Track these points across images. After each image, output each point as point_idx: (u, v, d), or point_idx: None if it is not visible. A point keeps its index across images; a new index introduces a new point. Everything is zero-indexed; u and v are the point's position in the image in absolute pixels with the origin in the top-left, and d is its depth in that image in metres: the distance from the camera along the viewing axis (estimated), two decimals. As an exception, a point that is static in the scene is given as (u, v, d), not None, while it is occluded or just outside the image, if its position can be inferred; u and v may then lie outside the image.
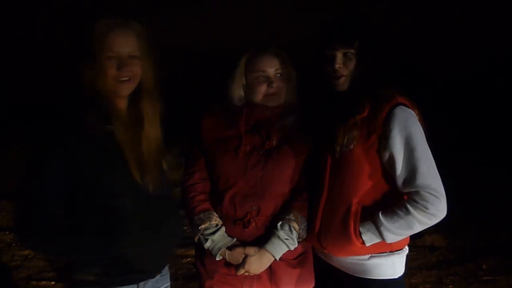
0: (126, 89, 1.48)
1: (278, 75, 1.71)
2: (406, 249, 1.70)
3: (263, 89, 1.70)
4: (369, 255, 1.62)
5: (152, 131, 1.53)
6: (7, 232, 4.05)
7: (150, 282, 1.56)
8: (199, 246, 1.71)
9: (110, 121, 1.44)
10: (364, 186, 1.59)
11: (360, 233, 1.56)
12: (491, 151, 6.05)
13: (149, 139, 1.52)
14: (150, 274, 1.56)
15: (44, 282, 3.27)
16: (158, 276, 1.60)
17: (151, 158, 1.51)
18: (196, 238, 1.68)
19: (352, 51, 1.59)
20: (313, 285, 1.77)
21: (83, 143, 1.39)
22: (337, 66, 1.59)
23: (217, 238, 1.65)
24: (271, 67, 1.70)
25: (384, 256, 1.63)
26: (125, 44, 1.45)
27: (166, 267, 1.67)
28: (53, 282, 3.26)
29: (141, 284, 1.53)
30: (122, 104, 1.52)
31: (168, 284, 1.69)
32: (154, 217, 1.51)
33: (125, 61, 1.44)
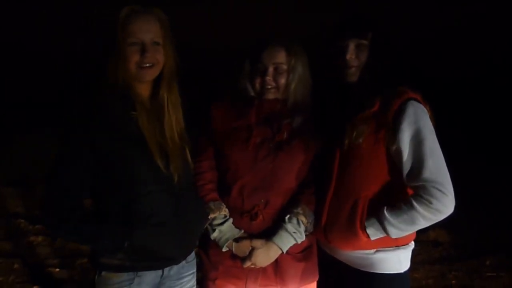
0: (149, 75, 1.47)
1: (277, 68, 1.66)
2: (412, 244, 1.69)
3: (258, 81, 1.67)
4: (375, 249, 1.62)
5: (174, 119, 1.52)
6: (12, 219, 4.04)
7: (176, 268, 1.56)
8: (204, 236, 1.69)
9: (134, 108, 1.44)
10: (372, 181, 1.58)
11: (365, 227, 1.56)
12: (491, 151, 6.05)
13: (172, 127, 1.51)
14: (174, 261, 1.56)
15: (49, 269, 3.26)
16: (183, 262, 1.59)
17: (175, 146, 1.51)
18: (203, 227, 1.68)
19: (365, 42, 1.56)
20: (317, 278, 1.77)
21: (107, 130, 1.39)
22: (348, 56, 1.56)
23: (224, 229, 1.63)
24: (270, 60, 1.66)
25: (390, 250, 1.62)
26: (148, 30, 1.44)
27: (193, 254, 1.65)
28: (57, 269, 3.24)
29: (166, 269, 1.53)
30: (145, 91, 1.51)
31: (194, 270, 1.67)
32: (178, 206, 1.50)
33: (148, 47, 1.43)
